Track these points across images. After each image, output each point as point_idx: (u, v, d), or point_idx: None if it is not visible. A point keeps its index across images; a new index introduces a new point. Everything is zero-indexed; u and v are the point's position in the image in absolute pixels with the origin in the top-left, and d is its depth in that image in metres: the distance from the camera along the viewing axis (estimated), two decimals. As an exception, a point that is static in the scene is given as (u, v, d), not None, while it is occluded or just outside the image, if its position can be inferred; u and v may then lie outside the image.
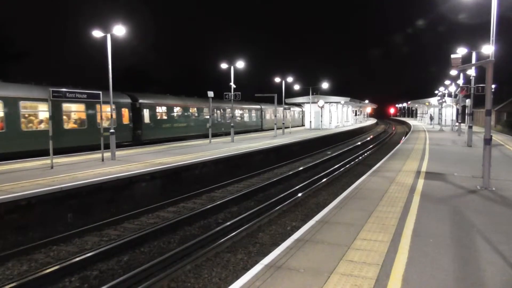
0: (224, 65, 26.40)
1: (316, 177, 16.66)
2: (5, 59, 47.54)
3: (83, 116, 19.94)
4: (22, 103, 17.05)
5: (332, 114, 47.54)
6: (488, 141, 10.79)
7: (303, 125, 50.63)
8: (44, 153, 16.36)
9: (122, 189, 12.24)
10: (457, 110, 42.57)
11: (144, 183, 13.07)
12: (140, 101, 23.91)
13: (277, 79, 37.94)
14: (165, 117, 26.20)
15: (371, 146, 31.70)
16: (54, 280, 7.10)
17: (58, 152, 17.19)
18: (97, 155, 16.94)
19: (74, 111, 19.80)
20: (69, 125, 19.36)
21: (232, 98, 25.28)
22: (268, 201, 12.40)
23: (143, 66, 71.18)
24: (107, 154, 16.07)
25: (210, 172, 16.31)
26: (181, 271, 7.37)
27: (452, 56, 11.40)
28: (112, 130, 16.35)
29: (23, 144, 16.83)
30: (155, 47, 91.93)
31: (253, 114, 40.71)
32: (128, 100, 23.21)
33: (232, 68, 25.79)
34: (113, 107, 19.17)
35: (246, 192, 13.71)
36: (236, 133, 30.60)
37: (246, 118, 38.92)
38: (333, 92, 55.61)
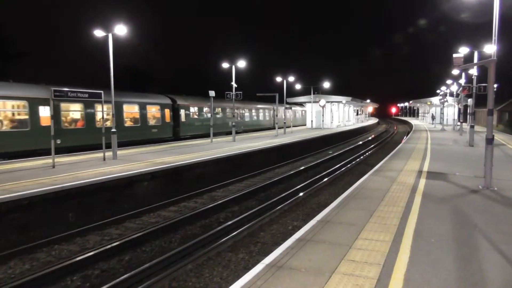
0: (225, 65, 26.41)
1: (317, 176, 16.65)
2: (5, 59, 47.58)
3: (137, 115, 23.54)
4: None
5: (333, 114, 47.49)
6: (490, 141, 10.76)
7: (304, 124, 50.59)
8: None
9: (123, 189, 12.25)
10: (459, 109, 42.53)
11: (145, 182, 13.08)
12: (178, 102, 27.14)
13: (279, 79, 37.94)
14: (196, 116, 29.46)
15: (372, 145, 31.68)
16: (56, 279, 7.12)
17: (123, 144, 20.97)
18: (98, 155, 16.95)
19: (128, 111, 22.98)
20: (127, 123, 22.84)
21: (234, 97, 25.28)
22: (269, 200, 12.40)
23: (143, 65, 71.27)
24: (109, 154, 16.07)
25: (211, 171, 16.31)
26: (182, 271, 7.37)
27: (454, 55, 11.38)
28: (113, 130, 16.35)
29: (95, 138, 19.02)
30: (156, 46, 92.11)
31: (267, 114, 42.78)
32: (170, 102, 26.36)
33: (233, 67, 25.80)
34: (158, 107, 24.87)
35: (247, 192, 13.72)
36: (251, 131, 34.68)
37: (261, 117, 41.24)
38: (334, 91, 55.61)
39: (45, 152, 16.55)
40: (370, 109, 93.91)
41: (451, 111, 52.02)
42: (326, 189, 14.70)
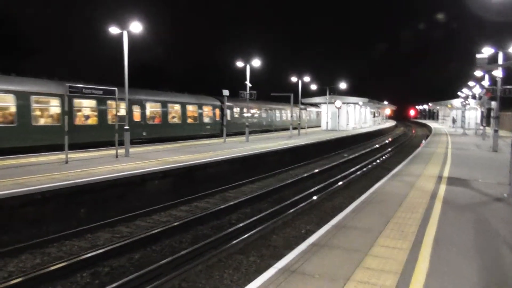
0: (240, 64, 26.40)
1: (332, 179, 16.53)
2: (19, 55, 48.43)
3: (196, 114, 27.88)
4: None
5: (349, 115, 47.13)
6: (514, 147, 10.48)
7: (319, 126, 50.35)
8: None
9: (135, 186, 12.33)
10: (482, 113, 41.69)
11: (157, 181, 13.14)
12: (226, 103, 29.48)
13: (294, 79, 37.80)
14: (237, 116, 33.34)
15: (389, 149, 31.34)
16: (66, 274, 7.18)
17: (185, 138, 25.34)
18: (111, 151, 17.11)
19: (190, 111, 27.27)
20: (189, 121, 27.06)
21: (248, 97, 25.26)
22: (282, 203, 12.34)
23: (156, 62, 71.71)
24: (121, 151, 16.19)
25: (223, 172, 16.32)
26: (192, 271, 7.37)
27: (477, 56, 11.17)
28: (126, 127, 16.47)
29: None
30: (168, 43, 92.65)
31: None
32: (219, 103, 30.22)
33: (248, 66, 25.77)
34: (211, 108, 29.49)
35: (260, 193, 13.68)
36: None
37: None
38: (351, 92, 55.05)
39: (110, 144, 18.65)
40: (388, 111, 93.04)
41: (473, 114, 51.04)
42: (341, 193, 14.57)
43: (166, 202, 12.14)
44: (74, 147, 17.35)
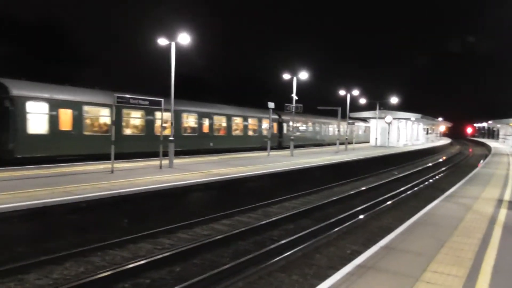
0: (286, 76, 26.52)
1: (380, 198, 16.10)
2: (74, 65, 51.32)
3: (256, 127, 30.58)
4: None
5: (400, 131, 45.88)
6: None
7: (367, 141, 49.38)
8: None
9: (177, 198, 12.60)
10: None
11: (199, 193, 13.37)
12: (282, 117, 33.29)
13: (342, 92, 37.41)
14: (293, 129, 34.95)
15: (444, 168, 30.15)
16: (108, 284, 7.42)
17: (245, 149, 27.64)
18: (155, 162, 17.62)
19: (251, 123, 30.07)
20: (249, 133, 29.67)
21: (294, 110, 25.27)
22: (326, 221, 12.15)
23: (200, 73, 73.33)
24: (165, 162, 16.64)
25: (266, 186, 16.34)
26: (233, 288, 7.39)
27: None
28: (171, 138, 16.93)
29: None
30: (211, 54, 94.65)
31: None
32: (277, 117, 32.77)
33: (294, 79, 25.84)
34: (272, 122, 30.10)
35: (303, 210, 13.56)
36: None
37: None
38: (402, 107, 53.63)
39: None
40: (442, 128, 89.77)
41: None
42: (389, 213, 14.15)
43: (208, 215, 12.30)
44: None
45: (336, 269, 7.05)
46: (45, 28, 48.16)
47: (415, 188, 19.58)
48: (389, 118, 40.30)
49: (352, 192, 17.49)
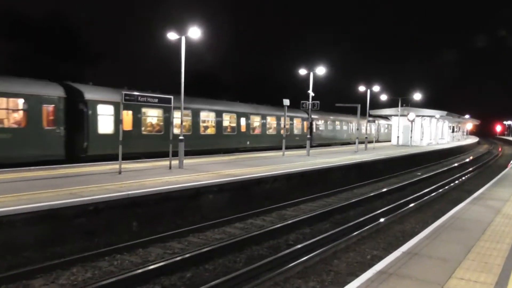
0: (302, 71, 26.46)
1: (402, 200, 15.96)
2: (82, 62, 51.97)
3: (287, 126, 31.90)
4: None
5: (424, 130, 45.41)
6: None
7: (389, 140, 49.00)
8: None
9: (188, 200, 12.68)
10: None
11: (211, 195, 13.43)
12: (312, 116, 34.00)
13: (361, 88, 37.15)
14: (322, 128, 37.89)
15: (471, 168, 29.75)
16: (116, 290, 7.50)
17: (274, 148, 29.00)
18: (164, 163, 17.76)
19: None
20: (269, 132, 31.24)
21: (310, 107, 25.20)
22: (345, 224, 12.10)
23: (212, 70, 73.70)
24: (175, 162, 16.76)
25: (281, 187, 16.33)
26: (246, 295, 7.40)
27: None
28: (181, 137, 17.05)
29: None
30: (223, 49, 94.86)
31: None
32: (307, 116, 32.24)
33: (311, 74, 25.77)
34: (300, 120, 34.25)
35: (320, 213, 13.52)
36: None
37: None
38: (426, 104, 53.06)
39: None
40: (469, 126, 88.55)
41: None
42: (412, 216, 14.03)
43: (220, 218, 12.35)
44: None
45: (356, 275, 7.03)
46: (53, 24, 48.90)
47: (440, 190, 19.36)
48: (412, 115, 39.87)
49: (372, 194, 17.38)
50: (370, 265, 7.70)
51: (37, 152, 16.56)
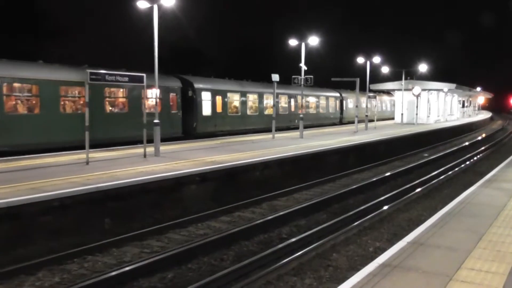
0: (293, 42, 26.41)
1: (407, 185, 16.24)
2: (40, 37, 50.97)
3: (324, 105, 40.23)
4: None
5: (431, 105, 45.86)
6: None
7: (392, 118, 49.38)
8: None
9: (167, 192, 12.74)
10: None
11: (193, 185, 13.51)
12: (343, 95, 42.33)
13: (360, 60, 37.25)
14: (351, 106, 43.39)
15: (483, 148, 30.24)
16: (89, 295, 7.59)
17: (309, 126, 32.57)
18: (138, 150, 17.74)
19: (322, 102, 40.08)
20: (321, 111, 39.45)
21: (303, 82, 25.26)
22: (345, 214, 12.30)
23: (193, 43, 72.95)
24: (150, 149, 16.74)
25: (272, 175, 16.46)
26: (235, 295, 7.54)
27: None
28: (156, 121, 16.99)
29: None
30: (208, 21, 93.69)
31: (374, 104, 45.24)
32: (339, 95, 42.10)
33: (303, 45, 25.75)
34: (334, 99, 41.54)
35: (317, 202, 13.71)
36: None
37: (349, 108, 44.39)
38: (433, 77, 53.46)
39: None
40: (481, 100, 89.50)
41: None
42: (419, 203, 14.30)
43: (204, 211, 12.46)
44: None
45: (357, 269, 7.20)
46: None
47: (449, 172, 19.70)
48: (417, 89, 40.19)
49: (374, 179, 17.64)
50: (372, 258, 7.89)
51: (167, 131, 22.07)
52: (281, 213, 12.37)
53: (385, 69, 45.99)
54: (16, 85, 17.77)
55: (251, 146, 20.45)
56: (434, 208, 13.10)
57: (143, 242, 10.39)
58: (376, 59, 37.70)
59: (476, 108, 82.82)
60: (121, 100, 21.87)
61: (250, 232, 10.87)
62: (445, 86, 45.08)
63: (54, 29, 53.75)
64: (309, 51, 26.94)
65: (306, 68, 25.72)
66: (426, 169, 21.01)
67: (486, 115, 77.97)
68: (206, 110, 26.46)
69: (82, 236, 10.37)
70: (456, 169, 20.88)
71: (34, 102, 18.17)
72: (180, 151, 18.36)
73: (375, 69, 42.37)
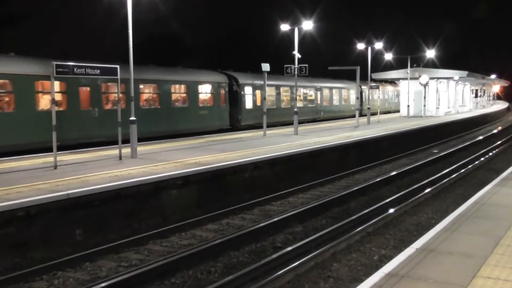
0: (285, 27, 26.44)
1: (415, 186, 16.33)
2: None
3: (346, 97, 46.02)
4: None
5: (440, 96, 46.09)
6: None
7: (397, 110, 49.62)
8: None
9: (146, 198, 12.71)
10: None
11: (175, 190, 13.48)
12: (362, 87, 42.66)
13: (361, 46, 37.38)
14: (370, 97, 44.40)
15: (499, 142, 30.45)
16: (60, 316, 7.57)
17: (328, 119, 39.91)
18: (112, 152, 17.68)
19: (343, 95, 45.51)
20: (343, 103, 45.16)
21: (296, 72, 25.31)
22: (346, 218, 12.35)
23: (174, 32, 72.87)
24: (126, 150, 16.68)
25: (264, 176, 16.48)
26: (225, 312, 7.56)
27: None
28: (132, 118, 16.91)
29: None
30: (190, 6, 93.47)
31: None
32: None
33: (296, 30, 25.78)
34: (354, 91, 42.63)
35: (314, 206, 13.74)
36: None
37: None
38: (442, 64, 53.81)
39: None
40: (496, 88, 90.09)
41: None
42: (428, 205, 14.38)
43: (188, 219, 12.45)
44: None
45: (361, 280, 7.24)
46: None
47: (462, 170, 19.80)
48: (424, 78, 40.39)
49: (379, 179, 17.71)
50: (377, 268, 7.93)
51: (218, 123, 28.49)
52: (275, 219, 12.38)
53: (389, 56, 46.20)
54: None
55: (238, 145, 20.45)
56: (445, 210, 13.18)
57: (120, 254, 10.35)
58: (378, 45, 37.85)
59: (491, 98, 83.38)
60: (183, 96, 27.06)
61: (240, 241, 10.86)
62: (456, 73, 45.32)
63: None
64: (302, 37, 27.00)
65: (300, 56, 25.77)
66: (436, 167, 21.13)
67: (502, 105, 78.63)
68: (249, 103, 31.85)
69: (51, 249, 10.32)
70: (469, 166, 20.98)
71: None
72: (159, 152, 18.32)
73: (377, 56, 42.64)
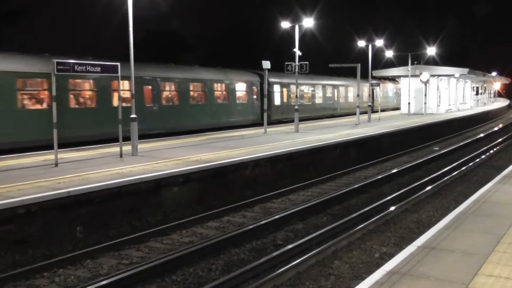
0: (285, 24, 26.41)
1: (416, 183, 16.31)
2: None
3: (367, 94, 45.56)
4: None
5: (441, 93, 46.04)
6: None
7: (398, 108, 49.60)
8: None
9: (147, 196, 12.71)
10: None
11: (176, 187, 13.48)
12: (372, 81, 42.25)
13: (361, 43, 37.34)
14: (382, 94, 49.87)
15: (500, 140, 30.44)
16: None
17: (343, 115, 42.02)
18: (113, 149, 17.67)
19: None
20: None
21: (297, 70, 25.30)
22: (346, 216, 12.34)
23: (173, 28, 72.89)
24: (127, 148, 16.67)
25: (265, 174, 16.48)
26: (226, 310, 7.55)
27: None
28: (133, 116, 16.89)
29: None
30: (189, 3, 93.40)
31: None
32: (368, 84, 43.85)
33: (296, 28, 25.74)
34: (366, 88, 44.54)
35: (315, 203, 13.74)
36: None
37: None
38: (443, 61, 53.76)
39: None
40: (497, 86, 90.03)
41: None
42: (429, 202, 14.37)
43: (189, 217, 12.46)
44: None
45: (362, 278, 7.23)
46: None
47: (463, 168, 19.79)
48: (425, 75, 40.33)
49: (380, 177, 17.70)
50: (378, 266, 7.92)
51: (251, 117, 31.74)
52: (276, 216, 12.37)
53: (389, 53, 46.19)
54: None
55: (240, 143, 20.45)
56: (446, 208, 13.18)
57: (121, 252, 10.35)
58: (379, 42, 37.80)
59: (492, 95, 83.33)
60: (224, 93, 30.06)
61: (241, 238, 10.87)
62: (456, 71, 45.27)
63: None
64: (303, 35, 26.99)
65: (300, 54, 25.76)
66: (437, 164, 21.14)
67: (503, 102, 78.56)
68: (277, 100, 34.52)
69: (52, 246, 10.33)
70: (471, 164, 20.97)
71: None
72: (160, 150, 18.31)
73: (377, 53, 42.62)
